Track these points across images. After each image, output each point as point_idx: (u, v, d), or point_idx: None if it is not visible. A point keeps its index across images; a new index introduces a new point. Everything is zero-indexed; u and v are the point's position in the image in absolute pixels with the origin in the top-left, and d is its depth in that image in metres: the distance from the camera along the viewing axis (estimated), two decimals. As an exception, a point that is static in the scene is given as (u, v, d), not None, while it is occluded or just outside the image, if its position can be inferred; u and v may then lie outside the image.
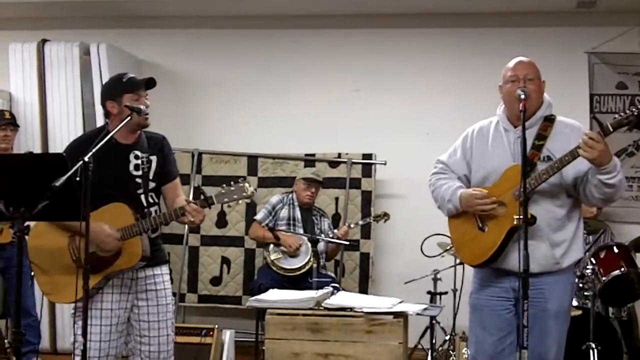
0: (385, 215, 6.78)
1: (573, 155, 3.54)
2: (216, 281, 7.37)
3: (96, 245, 3.71)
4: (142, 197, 3.92)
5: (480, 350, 3.89)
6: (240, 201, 3.85)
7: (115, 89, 3.89)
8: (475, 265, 3.94)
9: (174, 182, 4.09)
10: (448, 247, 6.04)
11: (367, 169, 7.29)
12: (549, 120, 3.83)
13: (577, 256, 3.83)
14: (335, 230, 6.62)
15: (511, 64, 3.85)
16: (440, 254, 6.30)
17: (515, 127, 3.81)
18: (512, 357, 3.81)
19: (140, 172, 3.92)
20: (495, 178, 3.81)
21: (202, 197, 3.79)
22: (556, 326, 3.76)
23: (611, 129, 3.49)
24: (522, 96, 3.63)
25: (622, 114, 3.48)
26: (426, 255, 6.33)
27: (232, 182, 3.84)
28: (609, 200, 3.74)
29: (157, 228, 3.94)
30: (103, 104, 3.93)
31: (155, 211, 3.95)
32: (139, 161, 3.93)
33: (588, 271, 5.63)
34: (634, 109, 3.43)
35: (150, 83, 3.91)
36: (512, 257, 3.70)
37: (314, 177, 6.70)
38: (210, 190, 3.90)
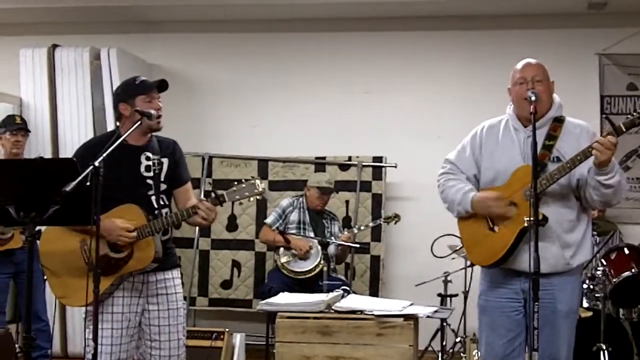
0: (396, 217, 6.76)
1: (585, 154, 3.53)
2: (227, 284, 7.38)
3: (110, 243, 3.72)
4: (153, 198, 3.92)
5: (490, 352, 3.88)
6: (251, 198, 3.82)
7: (128, 91, 3.91)
8: (486, 266, 3.92)
9: (186, 187, 4.09)
10: (458, 248, 6.02)
11: (378, 172, 7.29)
12: (559, 121, 3.82)
13: (586, 257, 3.84)
14: (340, 235, 6.61)
15: (519, 65, 3.84)
16: (449, 255, 6.28)
17: (525, 126, 3.80)
18: (521, 358, 3.81)
19: (151, 174, 3.93)
20: (505, 178, 3.79)
21: (213, 195, 3.80)
22: (566, 326, 3.76)
23: (624, 129, 3.50)
24: (533, 98, 3.61)
25: (634, 113, 3.49)
26: (436, 256, 6.32)
27: (243, 180, 3.84)
28: (607, 202, 3.75)
29: (168, 229, 3.94)
30: (115, 106, 3.95)
31: (166, 213, 3.94)
32: (150, 162, 3.93)
33: (599, 272, 5.63)
34: None
35: (162, 85, 3.93)
36: (522, 257, 3.67)
37: (329, 187, 6.69)
38: (221, 195, 3.91)
